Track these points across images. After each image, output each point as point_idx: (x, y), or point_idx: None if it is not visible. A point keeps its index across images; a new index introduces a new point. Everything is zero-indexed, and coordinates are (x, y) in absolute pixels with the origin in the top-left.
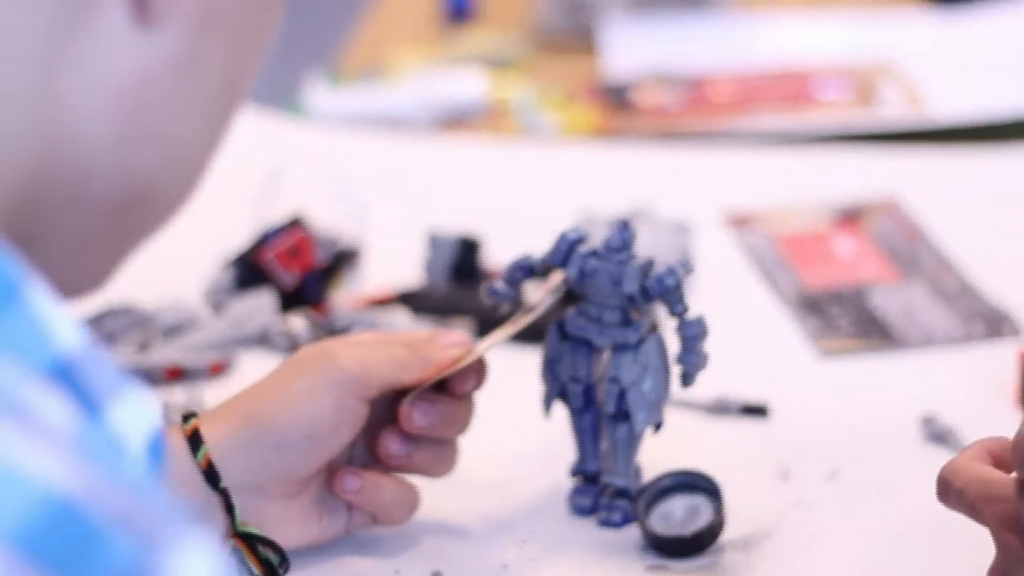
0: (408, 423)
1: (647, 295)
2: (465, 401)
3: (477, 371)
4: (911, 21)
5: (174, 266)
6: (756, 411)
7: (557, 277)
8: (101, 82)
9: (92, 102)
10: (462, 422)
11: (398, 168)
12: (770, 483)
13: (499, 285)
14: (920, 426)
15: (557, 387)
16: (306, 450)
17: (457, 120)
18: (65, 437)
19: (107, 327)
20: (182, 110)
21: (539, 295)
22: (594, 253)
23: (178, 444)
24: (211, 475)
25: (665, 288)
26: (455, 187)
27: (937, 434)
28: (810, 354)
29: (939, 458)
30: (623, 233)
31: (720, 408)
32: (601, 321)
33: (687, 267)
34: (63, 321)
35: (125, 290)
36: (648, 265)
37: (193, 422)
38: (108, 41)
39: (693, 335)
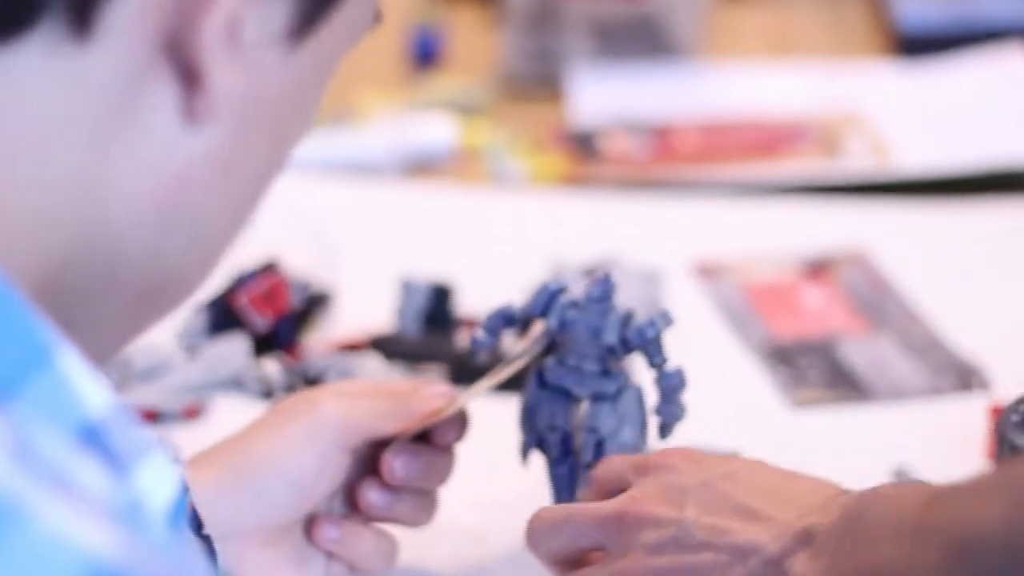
0: (390, 474)
1: (627, 346)
2: (446, 452)
3: (459, 422)
4: (876, 74)
5: None
6: None
7: (538, 327)
8: (148, 174)
9: (137, 193)
10: (443, 473)
11: (369, 213)
12: None
13: (480, 335)
14: (891, 479)
15: (534, 436)
16: (289, 498)
17: (425, 166)
18: (106, 507)
19: None
20: (215, 203)
21: (520, 345)
22: (574, 304)
23: None
24: (193, 521)
25: (645, 340)
26: (426, 233)
27: None
28: (781, 405)
29: None
30: (604, 284)
31: None
32: (580, 371)
33: (667, 319)
34: (92, 384)
35: None
36: (628, 316)
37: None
38: (158, 135)
39: (672, 386)
